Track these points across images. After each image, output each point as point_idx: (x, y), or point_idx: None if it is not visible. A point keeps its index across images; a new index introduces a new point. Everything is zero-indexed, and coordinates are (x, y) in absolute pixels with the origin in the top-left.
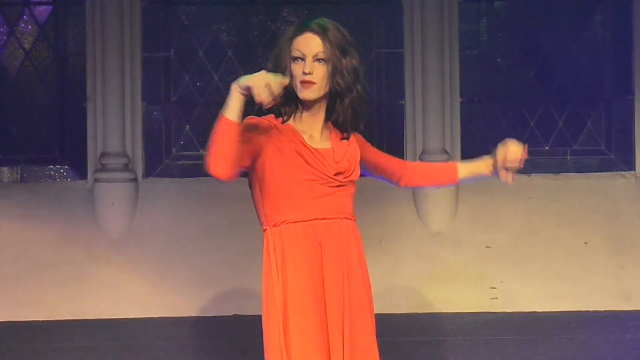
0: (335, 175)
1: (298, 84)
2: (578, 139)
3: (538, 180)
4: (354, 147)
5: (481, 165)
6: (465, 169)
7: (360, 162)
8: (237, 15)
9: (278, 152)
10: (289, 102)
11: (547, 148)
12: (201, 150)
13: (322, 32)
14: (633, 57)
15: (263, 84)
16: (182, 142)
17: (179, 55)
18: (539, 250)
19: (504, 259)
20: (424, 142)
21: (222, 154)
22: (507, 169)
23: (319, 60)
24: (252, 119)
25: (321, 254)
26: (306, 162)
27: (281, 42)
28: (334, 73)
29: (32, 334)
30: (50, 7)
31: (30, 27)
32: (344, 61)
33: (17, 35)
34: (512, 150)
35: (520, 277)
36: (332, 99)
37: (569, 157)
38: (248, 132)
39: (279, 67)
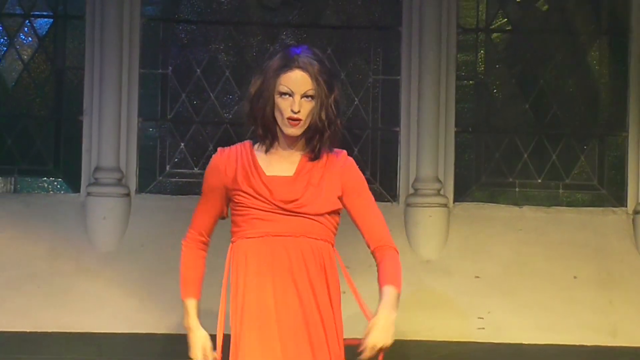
0: (285, 204)
1: (284, 120)
2: (571, 173)
3: (529, 212)
4: (329, 183)
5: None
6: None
7: (342, 198)
8: (235, 36)
9: (236, 182)
10: (267, 134)
11: (539, 181)
12: (195, 169)
13: (311, 69)
14: (628, 94)
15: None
16: (176, 160)
17: (176, 72)
18: (528, 282)
19: (492, 290)
20: (417, 169)
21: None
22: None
23: (307, 97)
24: (213, 165)
25: (272, 270)
26: (255, 191)
27: (266, 73)
28: (319, 108)
29: (18, 345)
30: (50, 20)
31: (30, 39)
32: (330, 96)
33: (17, 46)
34: (372, 337)
35: (508, 308)
36: (311, 131)
37: (561, 191)
38: (213, 196)
39: (261, 98)
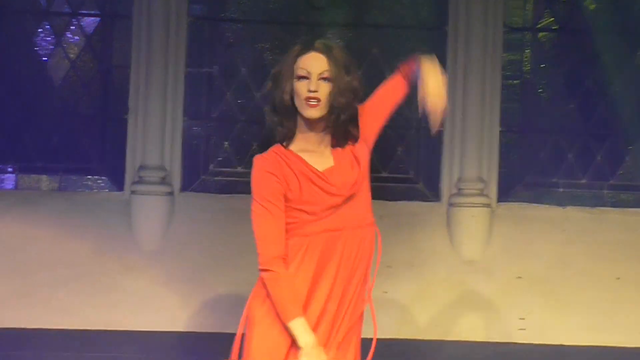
0: (334, 196)
1: (302, 102)
2: (615, 174)
3: (573, 212)
4: (356, 150)
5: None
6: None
7: (370, 125)
8: (281, 35)
9: (301, 188)
10: (287, 121)
11: (584, 181)
12: (239, 168)
13: (328, 51)
14: None
15: None
16: (220, 159)
17: (222, 71)
18: (571, 282)
19: (534, 290)
20: (461, 169)
21: None
22: (430, 109)
23: (323, 79)
24: (267, 169)
25: (324, 264)
26: (321, 188)
27: (284, 60)
28: (337, 91)
29: (64, 342)
30: (97, 19)
31: (77, 37)
32: (347, 79)
33: (64, 45)
34: (431, 85)
35: (550, 309)
36: (329, 114)
37: (605, 191)
38: (279, 204)
39: (279, 85)
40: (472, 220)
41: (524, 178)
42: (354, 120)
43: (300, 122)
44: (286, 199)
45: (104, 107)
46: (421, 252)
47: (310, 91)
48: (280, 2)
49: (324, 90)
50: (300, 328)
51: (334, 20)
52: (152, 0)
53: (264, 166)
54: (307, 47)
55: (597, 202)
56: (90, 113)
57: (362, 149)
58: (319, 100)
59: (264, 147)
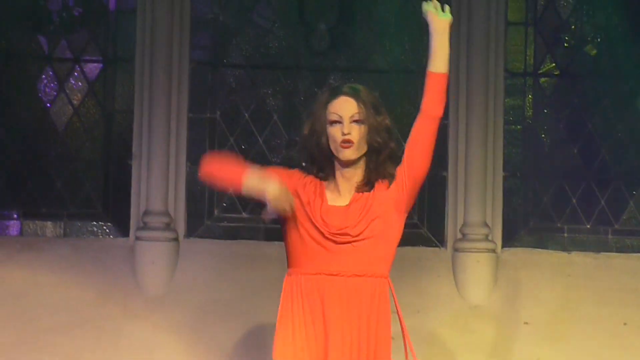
0: (336, 234)
1: (338, 146)
2: (620, 219)
3: (578, 258)
4: (379, 200)
5: (432, 35)
6: (431, 56)
7: (411, 180)
8: (283, 80)
9: (301, 201)
10: (325, 167)
11: (588, 226)
12: (243, 213)
13: (356, 95)
14: None
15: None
16: (224, 204)
17: (224, 116)
18: (577, 328)
19: (541, 336)
20: (465, 214)
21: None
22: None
23: (355, 121)
24: (293, 171)
25: (323, 309)
26: (312, 218)
27: (315, 108)
28: (370, 132)
29: None
30: (100, 65)
31: (80, 83)
32: (379, 119)
33: (67, 91)
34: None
35: (557, 354)
36: (368, 156)
37: (610, 237)
38: (281, 176)
39: (315, 132)
40: (477, 265)
41: (528, 223)
42: (393, 159)
43: (337, 166)
44: (297, 197)
45: (107, 153)
46: (426, 298)
47: (344, 134)
48: (281, 48)
49: (356, 132)
50: (255, 179)
51: (335, 64)
52: (155, 46)
53: (293, 170)
54: (335, 93)
55: (601, 247)
56: (94, 158)
57: (387, 198)
58: (352, 142)
59: None
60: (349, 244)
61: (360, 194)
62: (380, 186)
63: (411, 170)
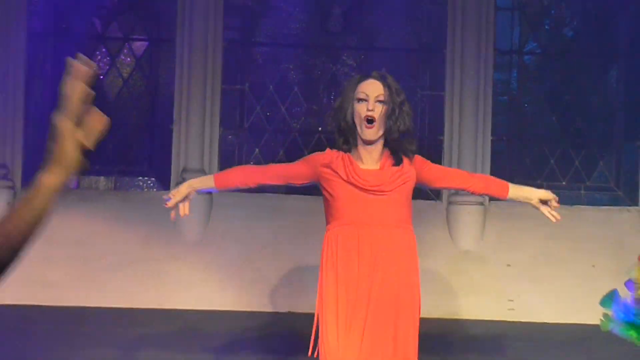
0: (372, 188)
1: (362, 122)
2: (591, 177)
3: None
4: (406, 171)
5: (531, 196)
6: (517, 192)
7: (422, 180)
8: (303, 57)
9: (335, 174)
10: (350, 139)
11: (564, 183)
12: None
13: (382, 79)
14: None
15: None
16: (252, 163)
17: (252, 88)
18: (553, 270)
19: (522, 276)
20: None
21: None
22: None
23: (379, 101)
24: (319, 155)
25: (358, 250)
26: (348, 180)
27: (347, 87)
28: (393, 115)
29: (117, 319)
30: (146, 43)
31: (129, 59)
32: (398, 100)
33: (118, 65)
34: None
35: (534, 292)
36: (387, 133)
37: (582, 192)
38: (303, 168)
39: (343, 107)
40: (468, 216)
41: (512, 180)
42: (409, 135)
43: (359, 141)
44: (327, 176)
45: (152, 119)
46: (424, 244)
47: (368, 110)
48: (301, 29)
49: (379, 110)
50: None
51: (346, 43)
52: (193, 27)
53: (320, 154)
54: (365, 76)
55: (575, 201)
56: (140, 124)
57: (410, 170)
58: (374, 119)
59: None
60: (385, 196)
61: (390, 162)
62: (405, 160)
63: (422, 178)
